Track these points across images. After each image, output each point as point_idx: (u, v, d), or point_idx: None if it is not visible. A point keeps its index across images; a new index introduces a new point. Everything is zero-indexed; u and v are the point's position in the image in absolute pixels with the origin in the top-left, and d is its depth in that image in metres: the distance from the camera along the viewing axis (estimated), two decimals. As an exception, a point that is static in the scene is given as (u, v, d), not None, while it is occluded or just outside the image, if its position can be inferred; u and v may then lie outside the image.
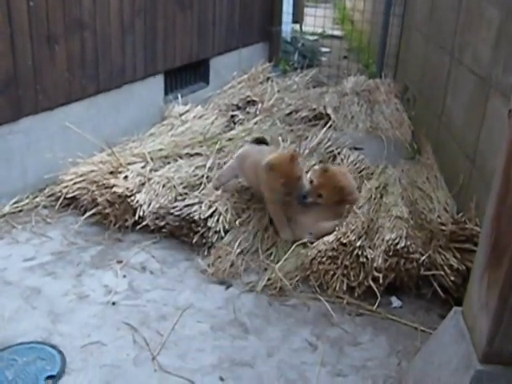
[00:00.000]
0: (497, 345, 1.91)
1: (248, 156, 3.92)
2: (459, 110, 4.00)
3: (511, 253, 1.78)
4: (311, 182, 3.64)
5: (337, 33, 11.15)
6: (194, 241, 3.52)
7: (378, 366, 2.72)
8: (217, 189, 3.89)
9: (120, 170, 3.92)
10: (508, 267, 1.80)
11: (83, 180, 3.86)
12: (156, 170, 4.05)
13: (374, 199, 3.82)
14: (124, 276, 3.28)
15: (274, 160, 3.54)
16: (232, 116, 5.55)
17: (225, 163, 4.41)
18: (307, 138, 4.99)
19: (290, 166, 3.51)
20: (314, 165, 4.33)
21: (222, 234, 3.54)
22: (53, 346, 2.68)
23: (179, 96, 5.61)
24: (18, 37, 3.70)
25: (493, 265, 1.91)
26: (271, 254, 3.50)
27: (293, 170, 3.52)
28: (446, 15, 4.65)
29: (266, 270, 3.35)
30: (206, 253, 3.50)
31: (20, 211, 3.86)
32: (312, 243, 3.41)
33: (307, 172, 3.91)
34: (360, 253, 3.17)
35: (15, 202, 3.89)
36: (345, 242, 3.22)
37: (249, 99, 5.86)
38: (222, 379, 2.57)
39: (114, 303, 3.03)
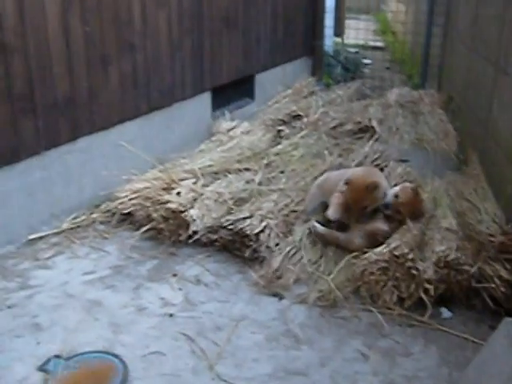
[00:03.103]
0: (549, 354, 1.94)
1: (328, 179, 4.11)
2: (506, 120, 4.01)
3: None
4: (396, 196, 3.72)
5: (379, 44, 11.17)
6: (246, 255, 3.63)
7: (430, 376, 2.76)
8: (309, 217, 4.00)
9: (173, 186, 4.05)
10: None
11: (138, 196, 4.00)
12: (207, 186, 4.17)
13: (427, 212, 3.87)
14: (180, 289, 3.40)
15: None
16: (278, 131, 5.65)
17: (273, 177, 4.52)
18: (353, 151, 5.06)
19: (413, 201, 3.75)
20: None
21: (273, 247, 3.63)
22: (115, 356, 2.81)
23: (226, 112, 5.75)
24: (74, 60, 3.89)
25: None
26: (320, 265, 3.57)
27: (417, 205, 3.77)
28: (490, 25, 4.67)
29: (316, 281, 3.42)
30: (257, 266, 3.59)
31: (78, 227, 4.02)
32: (365, 253, 3.47)
33: (395, 185, 4.04)
34: (411, 265, 3.21)
35: (73, 218, 4.06)
36: (398, 254, 3.27)
37: (294, 114, 5.97)
38: (277, 388, 2.66)
39: (171, 315, 3.15)
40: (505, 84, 4.12)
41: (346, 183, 3.70)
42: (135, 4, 4.37)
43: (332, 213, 3.73)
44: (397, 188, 3.83)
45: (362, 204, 3.68)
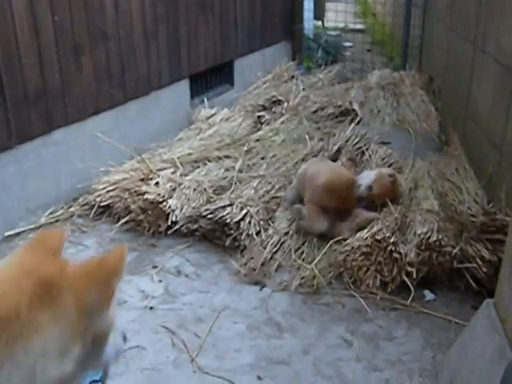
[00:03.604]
0: (530, 335, 1.92)
1: (305, 170, 3.99)
2: (485, 100, 3.98)
3: (540, 244, 1.79)
4: (370, 188, 3.66)
5: (359, 26, 11.10)
6: (226, 243, 3.58)
7: (414, 359, 2.74)
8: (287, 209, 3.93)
9: (151, 176, 3.99)
10: (537, 258, 1.81)
11: (116, 188, 3.94)
12: (186, 175, 4.12)
13: (408, 194, 3.84)
14: (160, 281, 3.35)
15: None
16: (258, 117, 5.59)
17: (254, 164, 4.48)
18: (334, 134, 5.01)
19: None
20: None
21: (254, 235, 3.58)
22: (95, 352, 2.75)
23: (205, 99, 5.68)
24: (45, 50, 3.78)
25: (522, 256, 1.92)
26: (302, 252, 3.53)
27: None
28: (468, 4, 4.62)
29: (298, 268, 3.38)
30: (238, 254, 3.55)
31: (56, 221, 3.95)
32: (346, 238, 3.43)
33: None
34: (393, 248, 3.18)
35: (50, 213, 3.98)
36: (379, 238, 3.23)
37: (274, 99, 5.90)
38: (259, 378, 2.62)
39: (151, 308, 3.10)
40: (483, 63, 4.09)
41: (326, 189, 3.64)
42: (106, -9, 4.27)
43: (318, 226, 3.60)
44: (371, 176, 3.75)
45: (346, 204, 3.63)
